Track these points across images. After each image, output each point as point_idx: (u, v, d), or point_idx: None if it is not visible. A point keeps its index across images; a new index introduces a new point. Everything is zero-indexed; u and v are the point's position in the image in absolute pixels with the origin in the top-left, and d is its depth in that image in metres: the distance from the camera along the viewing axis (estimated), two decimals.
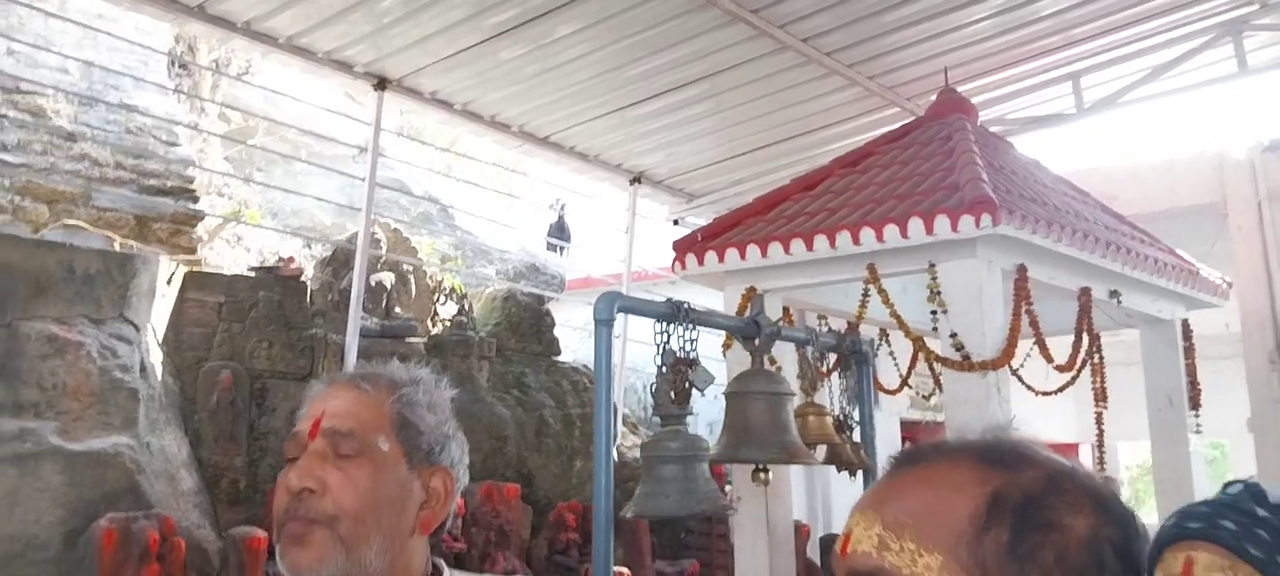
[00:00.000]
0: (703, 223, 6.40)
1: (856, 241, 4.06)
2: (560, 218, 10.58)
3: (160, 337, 5.17)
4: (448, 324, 6.86)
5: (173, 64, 7.44)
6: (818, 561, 6.70)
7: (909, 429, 7.68)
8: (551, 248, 10.11)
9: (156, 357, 5.01)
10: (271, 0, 5.10)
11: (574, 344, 7.94)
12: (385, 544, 1.30)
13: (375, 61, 5.93)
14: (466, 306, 6.95)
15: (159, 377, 4.96)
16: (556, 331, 7.23)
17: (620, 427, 7.21)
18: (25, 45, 6.12)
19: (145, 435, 4.59)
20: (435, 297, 7.19)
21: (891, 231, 4.00)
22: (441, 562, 1.42)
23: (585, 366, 7.27)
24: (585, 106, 6.53)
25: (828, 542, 7.00)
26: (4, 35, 5.89)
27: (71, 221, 5.66)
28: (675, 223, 7.84)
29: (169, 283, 5.26)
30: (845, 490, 7.40)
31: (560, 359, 7.15)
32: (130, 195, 6.02)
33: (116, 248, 5.39)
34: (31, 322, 4.47)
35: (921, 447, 0.96)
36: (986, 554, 0.86)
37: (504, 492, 5.41)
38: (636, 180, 7.49)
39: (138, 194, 6.05)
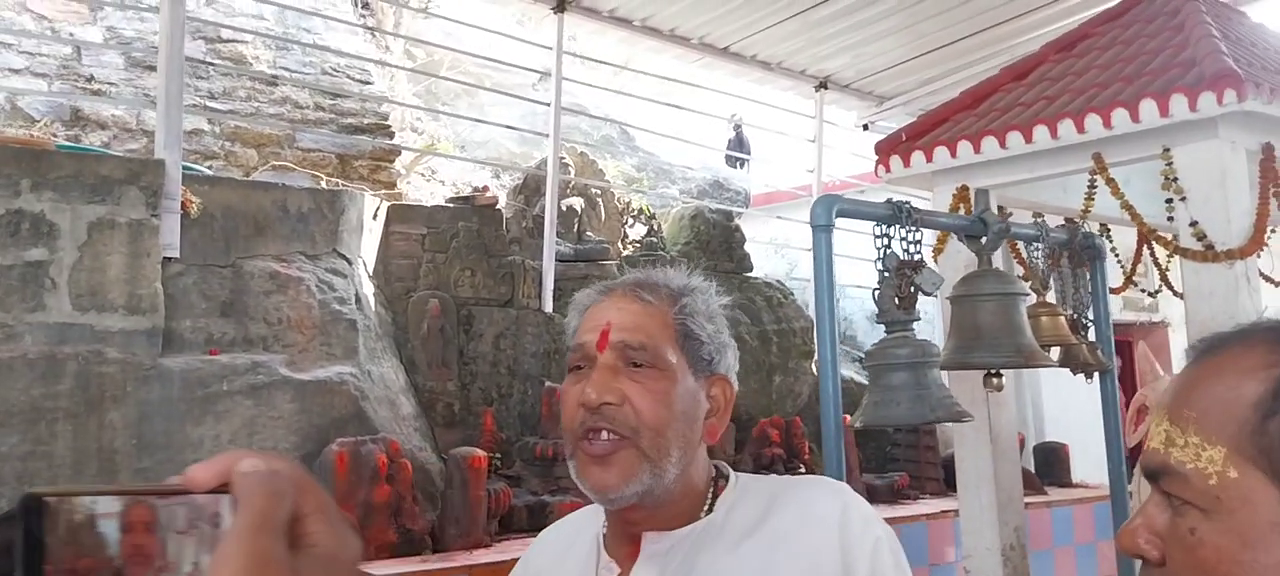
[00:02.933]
0: (894, 126, 6.14)
1: (1081, 129, 3.80)
2: (737, 132, 10.41)
3: (370, 270, 5.34)
4: (638, 245, 6.86)
5: (357, 2, 7.63)
6: (1033, 469, 6.44)
7: (1123, 331, 7.24)
8: (731, 162, 9.96)
9: (368, 289, 5.19)
10: None
11: (761, 260, 7.82)
12: (681, 454, 1.28)
13: None
14: (655, 226, 6.92)
15: (372, 308, 5.14)
16: (746, 248, 7.12)
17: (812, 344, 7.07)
18: None
19: (366, 363, 4.77)
20: (624, 219, 7.19)
21: (1120, 116, 3.72)
22: (725, 466, 1.39)
23: (778, 282, 7.15)
24: (766, 12, 6.34)
25: (1044, 450, 6.72)
26: None
27: (279, 163, 5.91)
28: (865, 128, 7.58)
29: (374, 217, 5.42)
30: (1057, 396, 7.08)
31: (752, 275, 7.04)
32: (330, 135, 6.23)
33: (323, 186, 5.59)
34: (254, 261, 4.68)
35: (1221, 334, 0.88)
36: (1272, 442, 0.79)
37: None
38: (822, 86, 7.25)
39: (337, 133, 6.26)
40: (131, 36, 5.95)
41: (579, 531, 1.41)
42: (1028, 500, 4.90)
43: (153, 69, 5.49)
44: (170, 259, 4.36)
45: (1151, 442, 0.87)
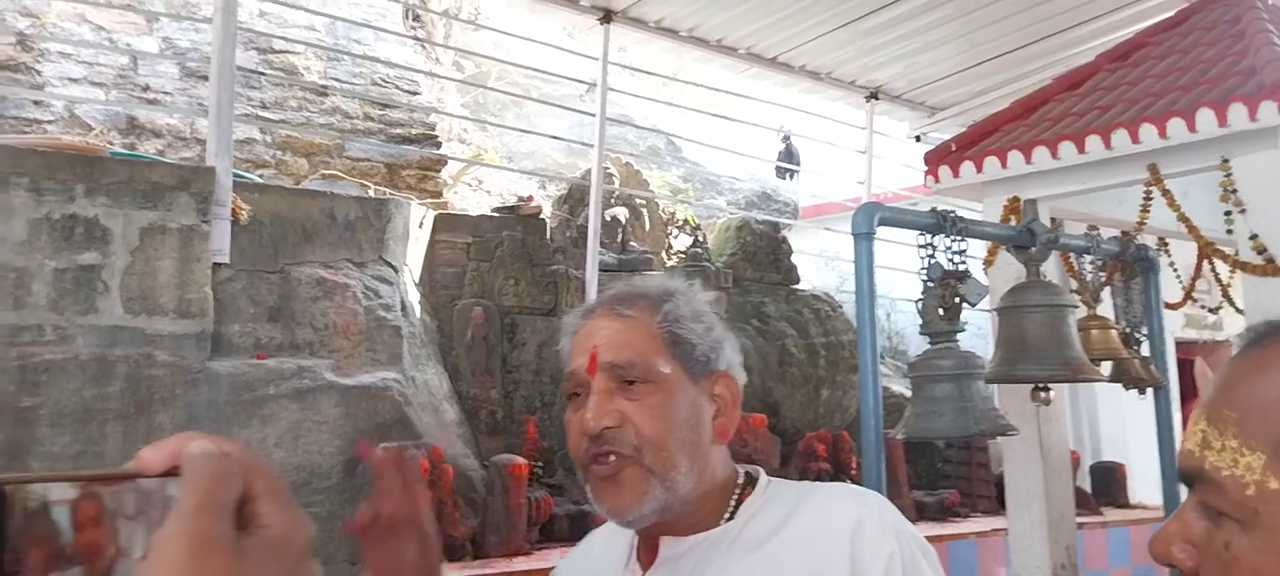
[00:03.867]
0: (945, 137, 6.06)
1: (1135, 139, 3.71)
2: (787, 143, 10.36)
3: (416, 277, 5.37)
4: (682, 255, 6.83)
5: (407, 14, 7.71)
6: (1089, 489, 6.29)
7: (1185, 349, 7.05)
8: (781, 174, 9.91)
9: (414, 297, 5.22)
10: None
11: (810, 272, 7.75)
12: (691, 463, 1.26)
13: None
14: (700, 237, 6.89)
15: (417, 315, 5.17)
16: (794, 259, 7.06)
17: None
18: (275, 5, 6.46)
19: (410, 370, 4.79)
20: (668, 230, 7.17)
21: (1176, 126, 3.62)
22: (757, 471, 1.36)
23: (826, 294, 7.08)
24: (816, 21, 6.28)
25: (1100, 470, 6.57)
26: None
27: (329, 172, 5.97)
28: (917, 139, 7.49)
29: (420, 226, 5.46)
30: (1115, 414, 6.92)
31: (799, 287, 6.98)
32: (379, 144, 6.29)
33: (371, 194, 5.64)
34: (301, 267, 4.73)
35: (1273, 321, 0.79)
36: None
37: (751, 423, 5.34)
38: (873, 96, 7.18)
39: (385, 143, 6.32)
40: (186, 47, 6.06)
41: (620, 535, 1.40)
42: (1081, 520, 4.80)
43: (206, 79, 5.59)
44: (220, 264, 4.41)
45: (1187, 443, 0.79)
